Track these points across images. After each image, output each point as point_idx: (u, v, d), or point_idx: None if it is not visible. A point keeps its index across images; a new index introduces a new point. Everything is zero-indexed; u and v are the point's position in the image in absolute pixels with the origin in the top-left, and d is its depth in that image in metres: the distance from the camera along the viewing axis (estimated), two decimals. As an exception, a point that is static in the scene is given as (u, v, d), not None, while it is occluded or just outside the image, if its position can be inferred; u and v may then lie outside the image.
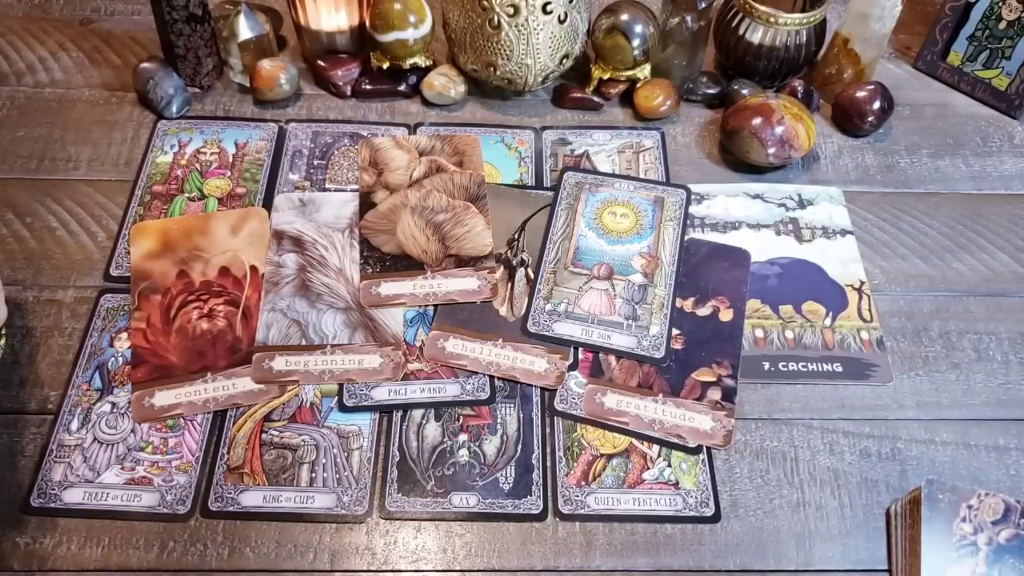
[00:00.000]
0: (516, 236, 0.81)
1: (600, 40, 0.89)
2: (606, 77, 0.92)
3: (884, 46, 0.92)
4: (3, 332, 0.73)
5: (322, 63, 0.94)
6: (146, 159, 0.87)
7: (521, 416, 0.70)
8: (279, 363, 0.72)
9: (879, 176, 0.89)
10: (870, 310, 0.78)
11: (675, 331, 0.75)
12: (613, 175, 0.87)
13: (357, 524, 0.65)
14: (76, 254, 0.79)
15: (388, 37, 0.89)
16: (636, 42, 0.88)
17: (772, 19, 0.88)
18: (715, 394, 0.71)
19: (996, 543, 0.61)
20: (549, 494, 0.66)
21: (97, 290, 0.77)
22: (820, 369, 0.74)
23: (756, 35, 0.90)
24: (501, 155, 0.89)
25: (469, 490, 0.67)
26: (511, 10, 0.83)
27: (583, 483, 0.67)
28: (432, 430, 0.69)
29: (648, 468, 0.68)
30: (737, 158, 0.87)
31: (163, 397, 0.70)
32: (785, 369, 0.74)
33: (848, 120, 0.91)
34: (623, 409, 0.70)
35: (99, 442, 0.68)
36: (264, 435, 0.69)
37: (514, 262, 0.79)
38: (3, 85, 0.94)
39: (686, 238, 0.81)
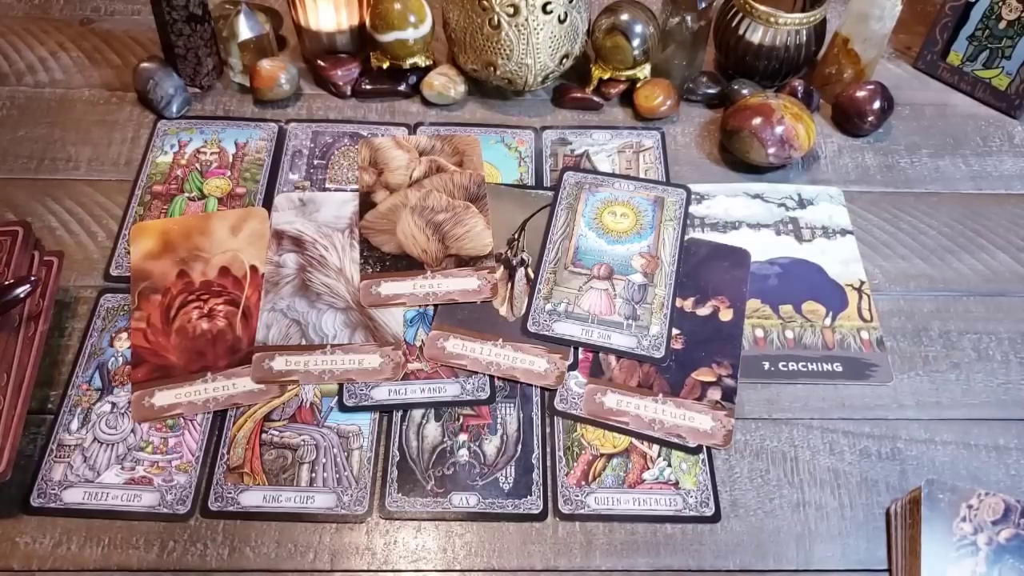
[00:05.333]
0: (516, 236, 0.81)
1: (600, 40, 0.89)
2: (606, 77, 0.92)
3: (884, 46, 0.92)
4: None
5: (322, 63, 0.94)
6: (146, 159, 0.87)
7: (521, 416, 0.70)
8: (279, 363, 0.72)
9: (879, 176, 0.89)
10: (870, 310, 0.78)
11: (675, 331, 0.75)
12: (613, 175, 0.87)
13: (357, 524, 0.65)
14: (76, 254, 0.79)
15: (388, 37, 0.89)
16: (636, 42, 0.88)
17: (772, 19, 0.88)
18: (715, 394, 0.71)
19: (996, 543, 0.61)
20: (549, 494, 0.66)
21: (97, 290, 0.77)
22: (820, 369, 0.74)
23: (756, 35, 0.90)
24: (501, 155, 0.89)
25: (469, 490, 0.66)
26: (511, 10, 0.83)
27: (583, 483, 0.67)
28: (432, 430, 0.69)
29: (648, 468, 0.68)
30: (737, 158, 0.87)
31: (163, 397, 0.70)
32: (785, 369, 0.74)
33: (848, 120, 0.91)
34: (623, 409, 0.70)
35: (99, 442, 0.68)
36: (264, 435, 0.69)
37: (514, 262, 0.79)
38: (3, 85, 0.94)
39: (686, 238, 0.81)
